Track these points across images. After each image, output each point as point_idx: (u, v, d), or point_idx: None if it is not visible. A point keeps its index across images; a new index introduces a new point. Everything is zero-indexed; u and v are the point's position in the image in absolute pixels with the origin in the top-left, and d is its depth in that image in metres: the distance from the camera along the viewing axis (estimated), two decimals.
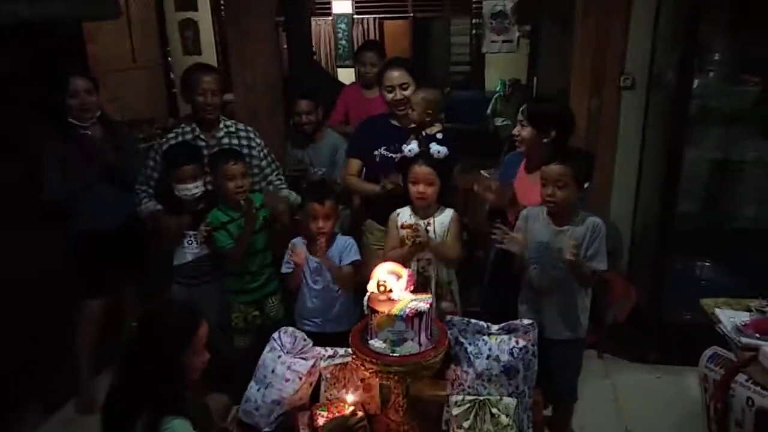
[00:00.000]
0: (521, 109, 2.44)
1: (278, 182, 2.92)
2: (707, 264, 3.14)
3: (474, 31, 8.05)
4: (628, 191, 3.42)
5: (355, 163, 2.83)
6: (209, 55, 7.49)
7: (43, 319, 2.80)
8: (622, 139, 3.37)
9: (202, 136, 2.77)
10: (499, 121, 6.95)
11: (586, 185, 2.16)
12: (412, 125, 2.71)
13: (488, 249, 3.12)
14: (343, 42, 8.08)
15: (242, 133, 2.86)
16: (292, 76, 4.44)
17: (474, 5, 7.80)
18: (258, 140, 2.90)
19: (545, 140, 2.36)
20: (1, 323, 2.63)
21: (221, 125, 2.81)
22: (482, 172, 3.57)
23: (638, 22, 3.17)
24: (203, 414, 1.95)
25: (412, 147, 2.46)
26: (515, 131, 2.46)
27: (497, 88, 7.32)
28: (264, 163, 2.90)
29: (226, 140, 2.80)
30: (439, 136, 2.63)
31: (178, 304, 2.14)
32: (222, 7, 7.25)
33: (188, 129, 2.79)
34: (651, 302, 3.18)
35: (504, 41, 7.88)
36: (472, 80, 8.05)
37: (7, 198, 2.71)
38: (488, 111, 7.10)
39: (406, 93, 2.73)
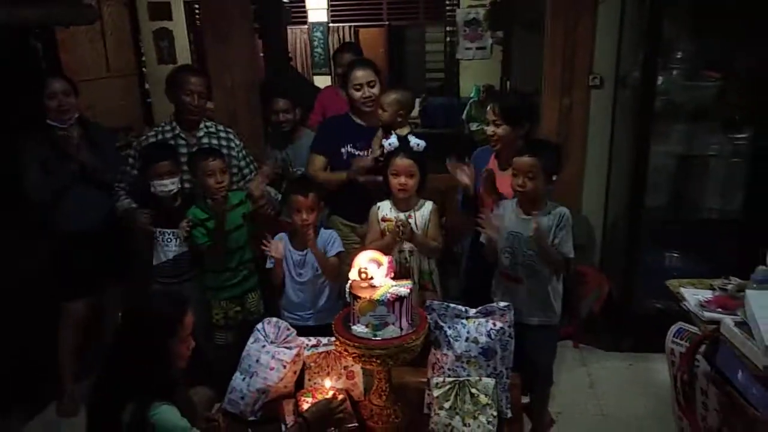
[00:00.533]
0: (490, 108, 2.51)
1: None
2: (676, 255, 3.25)
3: (448, 39, 8.19)
4: (598, 186, 3.55)
5: (320, 160, 2.87)
6: (184, 63, 7.48)
7: (27, 323, 2.78)
8: (592, 137, 3.49)
9: (183, 135, 2.81)
10: (474, 126, 7.06)
11: (554, 177, 2.25)
12: (380, 125, 2.78)
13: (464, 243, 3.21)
14: (319, 50, 8.15)
15: (222, 134, 2.90)
16: (268, 80, 4.49)
17: (448, 13, 7.96)
18: (237, 141, 2.94)
19: (520, 134, 2.45)
20: None
21: (201, 125, 2.85)
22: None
23: (604, 24, 3.31)
24: (188, 407, 1.96)
25: (392, 141, 2.53)
26: (489, 131, 2.53)
27: (472, 94, 7.45)
28: (242, 163, 2.95)
29: (206, 140, 2.84)
30: (411, 137, 2.70)
31: (164, 292, 2.18)
32: (197, 16, 7.26)
33: (168, 128, 2.82)
34: (623, 293, 3.29)
35: (477, 48, 8.06)
36: (447, 86, 8.17)
37: None
38: (463, 116, 7.22)
39: (374, 90, 2.81)
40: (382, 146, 2.57)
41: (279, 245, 2.48)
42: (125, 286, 2.93)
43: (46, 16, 2.96)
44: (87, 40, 6.84)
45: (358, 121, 2.88)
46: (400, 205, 2.50)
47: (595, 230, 3.62)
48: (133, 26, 7.65)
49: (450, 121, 7.54)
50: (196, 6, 6.87)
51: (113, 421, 1.57)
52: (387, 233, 2.43)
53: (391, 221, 2.45)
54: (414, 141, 2.50)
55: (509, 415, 1.98)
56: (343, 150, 2.83)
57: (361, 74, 2.81)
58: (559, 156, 2.33)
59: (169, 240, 2.62)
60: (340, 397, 1.92)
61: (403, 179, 2.43)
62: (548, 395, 2.54)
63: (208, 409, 2.16)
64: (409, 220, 2.44)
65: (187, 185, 2.72)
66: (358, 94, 2.81)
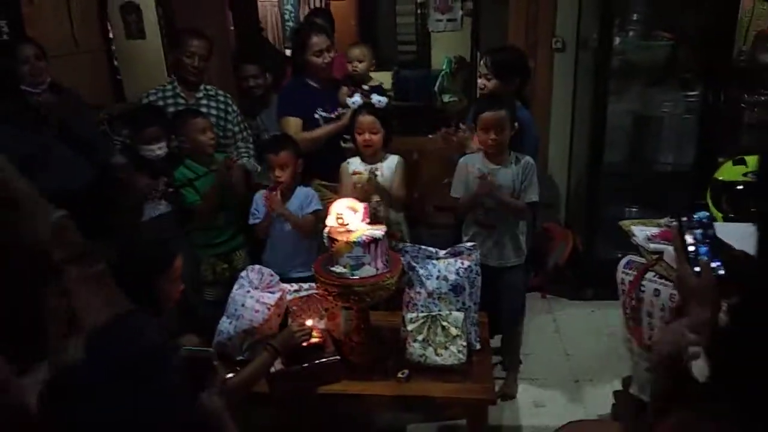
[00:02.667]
0: (482, 62, 2.62)
1: (243, 150, 3.06)
2: (634, 209, 3.45)
3: (419, 11, 8.25)
4: (563, 147, 3.74)
5: (297, 122, 2.86)
6: (154, 38, 7.41)
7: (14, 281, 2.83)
8: (555, 99, 3.67)
9: (183, 95, 2.93)
10: (446, 98, 7.17)
11: (515, 125, 2.40)
12: (349, 79, 2.97)
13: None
14: (290, 23, 8.14)
15: (221, 98, 3.02)
16: (239, 50, 4.55)
17: None
18: (234, 107, 3.05)
19: (510, 89, 2.57)
20: None
21: (201, 87, 2.97)
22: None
23: None
24: None
25: (356, 99, 2.66)
26: (480, 84, 2.65)
27: (443, 66, 7.54)
28: (237, 128, 3.06)
29: (204, 101, 2.95)
30: (373, 96, 2.84)
31: (155, 236, 2.28)
32: None
33: (169, 87, 2.94)
34: (586, 246, 3.49)
35: (448, 20, 8.12)
36: (419, 59, 8.24)
37: None
38: (435, 88, 7.32)
39: (332, 55, 2.91)
40: (347, 106, 2.70)
41: (277, 199, 2.53)
42: (111, 239, 2.99)
43: None
44: (53, 16, 6.75)
45: (316, 85, 2.93)
46: (368, 159, 2.65)
47: (560, 188, 3.81)
48: (99, 1, 7.56)
49: (422, 94, 7.63)
50: None
51: None
52: (357, 186, 2.57)
53: (361, 173, 2.59)
54: (375, 98, 2.65)
55: (478, 347, 2.16)
56: (316, 116, 2.89)
57: (319, 40, 2.85)
58: (514, 104, 2.45)
59: (156, 198, 2.71)
60: (301, 321, 2.06)
61: (367, 135, 2.57)
62: (521, 333, 2.71)
63: None
64: (376, 173, 2.59)
65: (175, 144, 2.79)
66: (319, 60, 2.85)
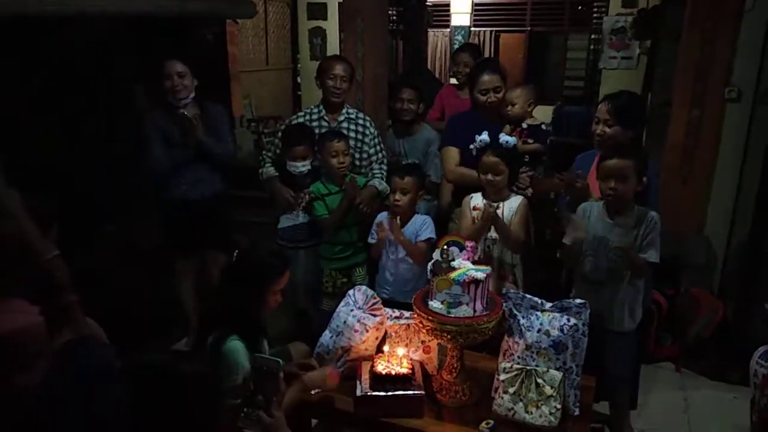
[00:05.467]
0: (602, 106, 2.49)
1: (377, 171, 3.18)
2: None
3: (592, 47, 7.93)
4: (725, 206, 3.34)
5: (456, 151, 2.93)
6: None
7: (157, 274, 3.20)
8: (723, 152, 3.30)
9: (326, 117, 3.15)
10: None
11: (644, 179, 2.20)
12: (507, 120, 2.96)
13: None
14: None
15: (360, 121, 3.18)
16: (402, 77, 4.74)
17: (594, 21, 7.72)
18: (372, 130, 3.20)
19: (630, 137, 2.41)
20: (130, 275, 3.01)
21: (344, 110, 3.16)
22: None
23: (748, 33, 3.12)
24: (284, 357, 2.22)
25: (483, 138, 2.64)
26: (598, 130, 2.51)
27: None
28: (372, 150, 3.19)
29: (345, 124, 3.14)
30: (544, 126, 2.92)
31: (274, 249, 2.48)
32: None
33: (315, 110, 3.18)
34: (738, 321, 3.07)
35: (623, 57, 7.76)
36: (586, 95, 7.92)
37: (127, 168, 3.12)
38: None
39: (499, 96, 2.91)
40: (475, 143, 2.69)
41: (386, 229, 2.63)
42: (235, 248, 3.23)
43: (211, 10, 3.42)
44: (252, 35, 7.66)
45: (483, 119, 2.96)
46: (491, 197, 2.61)
47: (717, 252, 3.40)
48: (293, 25, 8.41)
49: (583, 131, 7.30)
50: None
51: (203, 342, 1.87)
52: (476, 221, 2.54)
53: (480, 209, 2.56)
54: (503, 138, 2.60)
55: (576, 412, 2.00)
56: (471, 147, 2.86)
57: (488, 79, 2.89)
58: (646, 157, 2.27)
59: (297, 210, 2.94)
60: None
61: (490, 176, 2.54)
62: (626, 405, 2.46)
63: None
64: (497, 211, 2.53)
65: (316, 162, 3.01)
66: (483, 99, 2.91)
